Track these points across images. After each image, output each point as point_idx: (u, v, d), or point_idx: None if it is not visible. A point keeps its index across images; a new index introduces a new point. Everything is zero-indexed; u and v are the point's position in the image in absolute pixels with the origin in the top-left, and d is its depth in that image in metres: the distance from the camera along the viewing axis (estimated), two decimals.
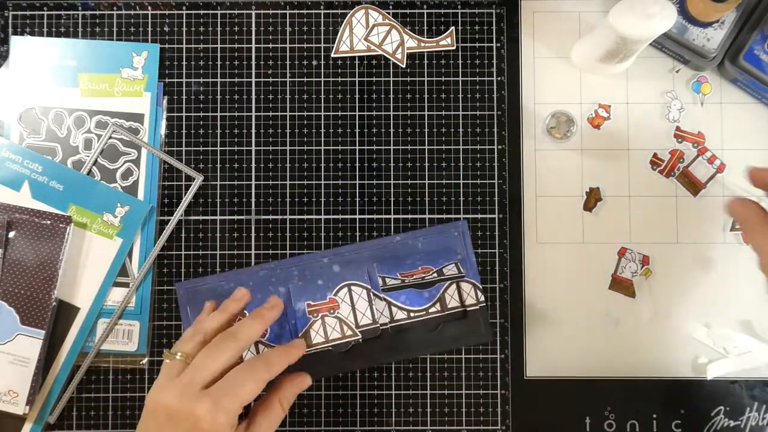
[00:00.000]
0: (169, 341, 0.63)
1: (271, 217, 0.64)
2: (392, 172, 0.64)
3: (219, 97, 0.64)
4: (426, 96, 0.64)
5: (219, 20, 0.65)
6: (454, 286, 0.62)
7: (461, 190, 0.64)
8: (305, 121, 0.64)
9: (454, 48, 0.65)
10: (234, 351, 0.53)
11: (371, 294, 0.61)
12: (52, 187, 0.62)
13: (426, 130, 0.64)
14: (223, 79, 0.65)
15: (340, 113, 0.64)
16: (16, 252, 0.60)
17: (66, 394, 0.62)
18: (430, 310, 0.61)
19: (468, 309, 0.62)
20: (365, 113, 0.64)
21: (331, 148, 0.64)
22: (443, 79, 0.64)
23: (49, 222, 0.61)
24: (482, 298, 0.62)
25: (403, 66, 0.65)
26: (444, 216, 0.64)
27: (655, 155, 0.64)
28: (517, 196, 0.64)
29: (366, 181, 0.64)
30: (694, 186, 0.64)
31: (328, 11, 0.65)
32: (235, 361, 0.53)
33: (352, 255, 0.62)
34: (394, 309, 0.61)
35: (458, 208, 0.64)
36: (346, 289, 0.61)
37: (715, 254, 0.63)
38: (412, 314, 0.61)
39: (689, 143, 0.64)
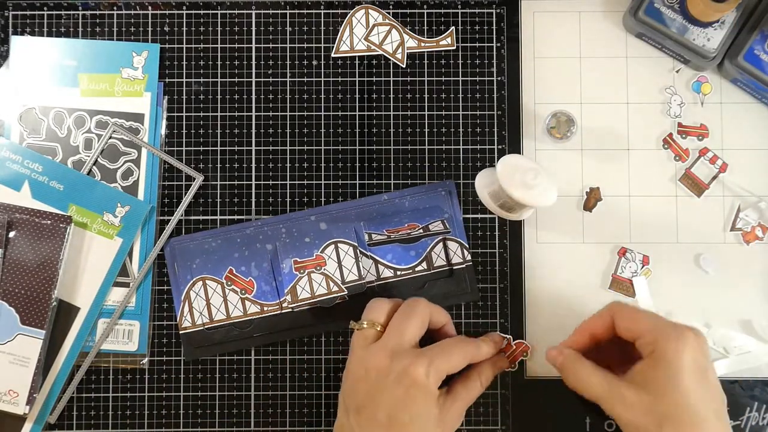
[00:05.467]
0: (169, 341, 0.63)
1: (271, 216, 0.64)
2: (392, 172, 0.64)
3: (219, 97, 0.64)
4: (426, 96, 0.64)
5: (219, 20, 0.65)
6: (440, 244, 0.62)
7: (461, 190, 0.64)
8: (305, 121, 0.64)
9: (454, 48, 0.65)
10: (423, 315, 0.56)
11: (358, 251, 0.62)
12: (52, 187, 0.62)
13: (426, 130, 0.64)
14: (223, 79, 0.65)
15: (340, 113, 0.64)
16: (16, 252, 0.60)
17: (66, 394, 0.62)
18: (416, 269, 0.62)
19: (454, 268, 0.62)
20: (365, 113, 0.64)
21: (331, 148, 0.64)
22: (443, 79, 0.64)
23: (49, 222, 0.61)
24: (469, 257, 0.63)
25: (403, 66, 0.65)
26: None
27: (669, 135, 0.64)
28: None
29: (366, 181, 0.64)
30: (698, 187, 0.64)
31: (328, 11, 0.65)
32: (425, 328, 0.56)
33: (339, 213, 0.63)
34: (380, 267, 0.62)
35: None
36: (332, 247, 0.62)
37: (715, 254, 0.63)
38: (398, 272, 0.62)
39: (694, 137, 0.64)
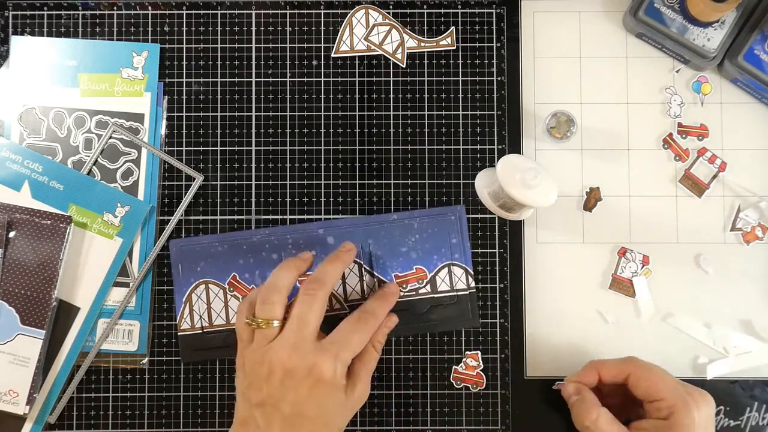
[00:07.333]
0: (169, 341, 0.63)
1: (271, 217, 0.64)
2: (392, 172, 0.64)
3: (219, 97, 0.64)
4: (426, 96, 0.64)
5: (219, 20, 0.65)
6: (446, 269, 0.62)
7: (461, 190, 0.64)
8: (305, 121, 0.64)
9: (454, 48, 0.65)
10: (324, 297, 0.55)
11: (363, 270, 0.61)
12: (52, 187, 0.62)
13: (426, 130, 0.64)
14: (223, 79, 0.65)
15: (340, 113, 0.64)
16: (16, 252, 0.60)
17: (66, 394, 0.62)
18: (420, 291, 0.62)
19: (458, 294, 0.62)
20: (365, 113, 0.64)
21: (331, 148, 0.64)
22: (443, 79, 0.64)
23: (49, 222, 0.61)
24: (473, 284, 0.62)
25: (403, 66, 0.65)
26: None
27: (669, 135, 0.64)
28: None
29: (366, 181, 0.64)
30: (698, 187, 0.64)
31: (328, 11, 0.65)
32: (325, 306, 0.56)
33: (347, 229, 0.63)
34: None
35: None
36: None
37: (715, 254, 0.63)
38: (402, 294, 0.62)
39: (694, 137, 0.64)
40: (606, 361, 0.58)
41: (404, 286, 0.62)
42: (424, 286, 0.62)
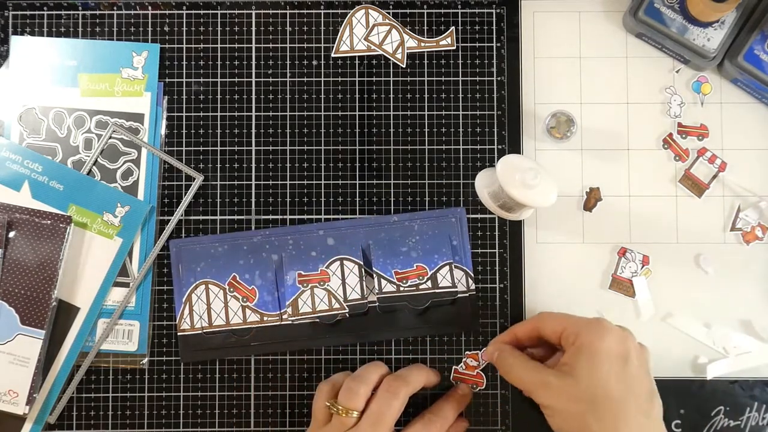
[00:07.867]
0: (169, 341, 0.63)
1: (271, 217, 0.64)
2: (392, 172, 0.64)
3: (219, 97, 0.64)
4: (426, 96, 0.64)
5: (219, 20, 0.65)
6: (447, 267, 0.62)
7: (461, 189, 0.64)
8: (305, 121, 0.64)
9: (454, 48, 0.65)
10: (405, 397, 0.56)
11: (363, 270, 0.62)
12: (52, 187, 0.62)
13: (426, 130, 0.64)
14: (223, 79, 0.65)
15: (340, 113, 0.64)
16: (16, 252, 0.60)
17: (66, 394, 0.62)
18: (420, 287, 0.62)
19: (458, 296, 0.62)
20: (365, 113, 0.64)
21: (331, 148, 0.64)
22: (443, 79, 0.64)
23: (49, 222, 0.61)
24: (473, 287, 0.62)
25: (403, 66, 0.65)
26: None
27: (669, 135, 0.64)
28: None
29: (366, 181, 0.64)
30: (698, 188, 0.64)
31: (328, 11, 0.65)
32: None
33: (347, 230, 0.63)
34: (383, 281, 0.62)
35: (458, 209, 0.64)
36: (338, 263, 0.62)
37: (715, 254, 0.63)
38: (401, 288, 0.62)
39: (694, 137, 0.64)
40: (520, 322, 0.60)
41: (404, 281, 0.62)
42: (425, 282, 0.62)
